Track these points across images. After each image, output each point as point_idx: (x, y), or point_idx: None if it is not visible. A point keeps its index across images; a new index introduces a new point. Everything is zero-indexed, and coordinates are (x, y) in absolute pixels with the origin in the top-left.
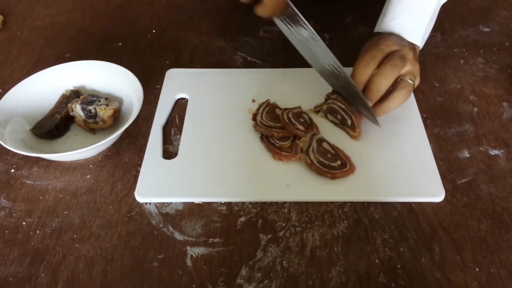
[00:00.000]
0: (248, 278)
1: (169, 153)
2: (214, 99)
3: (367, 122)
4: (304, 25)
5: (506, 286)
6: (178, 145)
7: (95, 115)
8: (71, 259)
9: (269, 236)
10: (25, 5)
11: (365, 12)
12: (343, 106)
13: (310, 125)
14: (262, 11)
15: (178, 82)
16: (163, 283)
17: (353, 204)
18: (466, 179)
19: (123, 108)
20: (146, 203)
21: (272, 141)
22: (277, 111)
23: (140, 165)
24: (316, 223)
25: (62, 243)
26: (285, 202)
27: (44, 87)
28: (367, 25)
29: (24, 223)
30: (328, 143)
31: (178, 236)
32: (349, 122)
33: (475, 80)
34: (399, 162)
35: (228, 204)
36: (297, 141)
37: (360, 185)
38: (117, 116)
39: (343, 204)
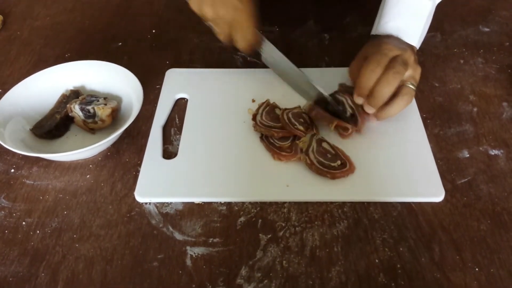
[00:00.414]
0: (248, 278)
1: (169, 153)
2: (214, 99)
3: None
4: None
5: (505, 286)
6: (178, 145)
7: (93, 115)
8: (71, 259)
9: (269, 236)
10: (25, 5)
11: (365, 12)
12: (350, 103)
13: (310, 125)
14: (240, 48)
15: (178, 82)
16: (163, 283)
17: (353, 204)
18: (466, 179)
19: (123, 108)
20: (146, 203)
21: (272, 141)
22: (277, 111)
23: (140, 165)
24: (316, 223)
25: (62, 243)
26: (285, 202)
27: (44, 87)
28: (366, 25)
29: (24, 223)
30: (328, 143)
31: (178, 236)
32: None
33: (475, 80)
34: (399, 162)
35: (228, 204)
36: (297, 141)
37: (359, 185)
38: (115, 115)
39: (342, 204)
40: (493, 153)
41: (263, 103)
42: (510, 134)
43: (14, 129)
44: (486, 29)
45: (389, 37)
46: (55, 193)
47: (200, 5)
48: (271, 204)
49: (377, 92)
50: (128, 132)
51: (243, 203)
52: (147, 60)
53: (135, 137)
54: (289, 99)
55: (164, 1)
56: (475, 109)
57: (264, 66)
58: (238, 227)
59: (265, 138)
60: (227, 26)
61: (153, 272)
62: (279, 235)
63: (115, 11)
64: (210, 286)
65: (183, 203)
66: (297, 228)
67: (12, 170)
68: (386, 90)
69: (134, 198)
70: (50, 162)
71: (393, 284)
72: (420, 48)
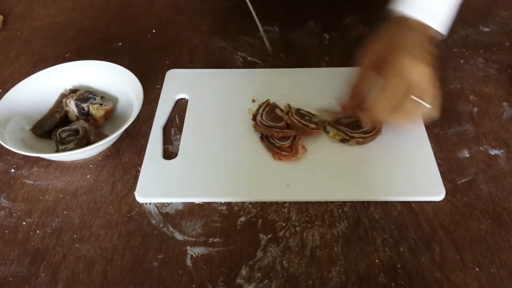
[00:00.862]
0: (248, 278)
1: (169, 153)
2: (214, 99)
3: None
4: None
5: (506, 286)
6: (178, 145)
7: (87, 113)
8: (71, 259)
9: (269, 236)
10: (25, 5)
11: (365, 12)
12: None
13: (312, 115)
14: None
15: (178, 82)
16: (163, 283)
17: (353, 204)
18: (466, 179)
19: (123, 108)
20: (146, 203)
21: (272, 141)
22: (277, 111)
23: (140, 165)
24: (316, 223)
25: (62, 243)
26: (285, 202)
27: (44, 87)
28: (367, 25)
29: (24, 223)
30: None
31: (178, 236)
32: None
33: (475, 80)
34: (399, 162)
35: (228, 204)
36: (329, 134)
37: (360, 185)
38: (109, 117)
39: (343, 203)
40: (493, 153)
41: (263, 103)
42: (510, 134)
43: (14, 129)
44: (486, 29)
45: (413, 29)
46: (55, 193)
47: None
48: (271, 204)
49: (393, 122)
50: (128, 132)
51: (243, 203)
52: (147, 60)
53: (135, 137)
54: (289, 99)
55: (164, 1)
56: (475, 109)
57: (264, 66)
58: (238, 227)
59: (265, 138)
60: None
61: (153, 272)
62: (279, 235)
63: (115, 11)
64: (210, 286)
65: (183, 203)
66: (297, 228)
67: (12, 170)
68: (402, 121)
69: (134, 198)
70: (50, 162)
71: (393, 284)
72: None
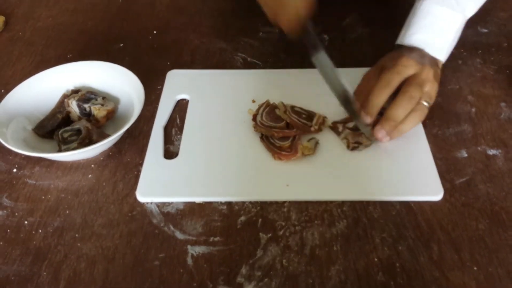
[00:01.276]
0: (248, 276)
1: (170, 153)
2: (214, 99)
3: None
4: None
5: (504, 285)
6: (179, 145)
7: (89, 114)
8: (73, 258)
9: (269, 235)
10: (27, 6)
11: (365, 13)
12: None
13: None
14: (282, 28)
15: (179, 83)
16: (164, 281)
17: (352, 203)
18: (464, 179)
19: (125, 109)
20: (147, 203)
21: (272, 141)
22: (277, 111)
23: (141, 165)
24: (315, 222)
25: (64, 242)
26: (285, 202)
27: (46, 87)
28: (366, 27)
29: (26, 222)
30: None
31: (179, 235)
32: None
33: (473, 81)
34: (398, 162)
35: (229, 204)
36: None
37: (359, 184)
38: (111, 117)
39: (342, 203)
40: (491, 153)
41: (263, 103)
42: (508, 134)
43: (16, 129)
44: (485, 30)
45: (413, 49)
46: (57, 192)
47: None
48: (271, 203)
49: (391, 115)
50: (130, 132)
51: (244, 202)
52: (148, 61)
53: (137, 137)
54: (288, 99)
55: (165, 2)
56: (473, 110)
57: (264, 66)
58: (238, 226)
59: (265, 138)
60: (274, 4)
61: (155, 271)
62: (279, 234)
63: (116, 13)
64: (211, 285)
65: (184, 202)
66: (297, 227)
67: (15, 170)
68: (400, 114)
69: (135, 198)
70: (52, 162)
71: (392, 282)
72: None
